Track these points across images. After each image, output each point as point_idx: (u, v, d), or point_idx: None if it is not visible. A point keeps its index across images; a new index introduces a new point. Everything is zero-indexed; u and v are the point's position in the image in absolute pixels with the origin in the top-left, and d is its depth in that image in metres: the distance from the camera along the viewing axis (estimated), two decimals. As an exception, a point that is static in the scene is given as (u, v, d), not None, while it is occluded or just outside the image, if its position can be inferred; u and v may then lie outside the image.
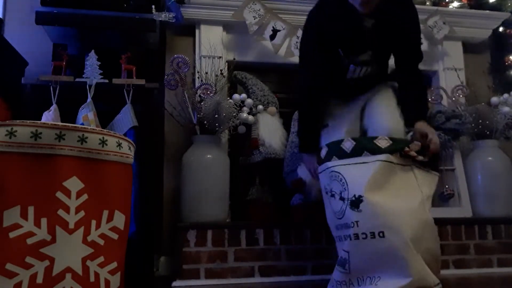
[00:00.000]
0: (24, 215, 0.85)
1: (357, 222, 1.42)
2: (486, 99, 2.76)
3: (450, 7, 2.88)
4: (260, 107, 2.39)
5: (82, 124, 1.93)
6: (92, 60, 2.08)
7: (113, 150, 0.97)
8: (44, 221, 0.87)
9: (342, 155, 1.52)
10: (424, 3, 2.86)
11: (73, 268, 0.88)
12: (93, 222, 0.92)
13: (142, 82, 2.08)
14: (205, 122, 2.15)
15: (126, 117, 2.00)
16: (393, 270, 1.38)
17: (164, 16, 2.17)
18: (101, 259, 0.93)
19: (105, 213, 0.95)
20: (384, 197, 1.43)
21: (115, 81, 2.07)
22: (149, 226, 2.04)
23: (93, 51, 2.09)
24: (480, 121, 2.55)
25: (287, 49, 2.50)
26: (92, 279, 0.90)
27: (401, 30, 1.71)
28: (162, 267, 2.30)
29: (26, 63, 2.29)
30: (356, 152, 1.50)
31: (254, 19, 2.46)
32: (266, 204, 2.30)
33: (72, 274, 0.88)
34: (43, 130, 0.89)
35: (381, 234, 1.39)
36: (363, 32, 1.67)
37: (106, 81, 2.05)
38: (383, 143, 1.49)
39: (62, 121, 1.96)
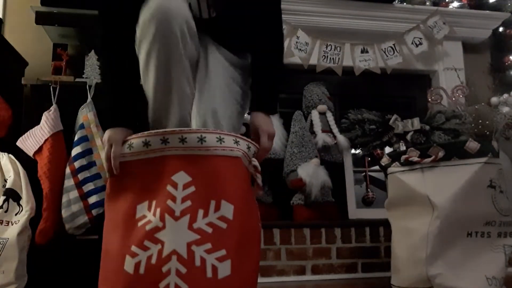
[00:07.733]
0: (149, 208, 1.01)
1: None
2: (486, 99, 2.76)
3: (450, 7, 2.89)
4: (260, 107, 2.38)
5: (82, 124, 1.93)
6: (92, 60, 2.08)
7: (213, 146, 1.05)
8: (158, 210, 0.99)
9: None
10: (424, 3, 2.86)
11: (178, 251, 0.96)
12: (200, 211, 1.01)
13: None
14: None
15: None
16: None
17: (164, 16, 2.16)
18: (208, 245, 0.98)
19: (213, 203, 1.02)
20: None
21: (115, 81, 2.06)
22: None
23: (93, 51, 2.09)
24: (480, 121, 2.55)
25: (287, 49, 2.49)
26: (197, 263, 0.96)
27: None
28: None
29: (26, 63, 2.29)
30: None
31: (254, 19, 2.45)
32: (266, 204, 2.30)
33: (177, 257, 0.95)
34: (150, 139, 1.04)
35: None
36: None
37: (106, 81, 2.05)
38: None
39: (62, 122, 1.96)
